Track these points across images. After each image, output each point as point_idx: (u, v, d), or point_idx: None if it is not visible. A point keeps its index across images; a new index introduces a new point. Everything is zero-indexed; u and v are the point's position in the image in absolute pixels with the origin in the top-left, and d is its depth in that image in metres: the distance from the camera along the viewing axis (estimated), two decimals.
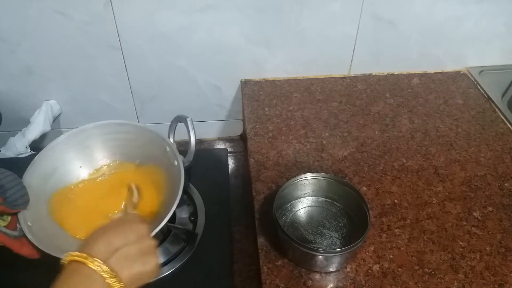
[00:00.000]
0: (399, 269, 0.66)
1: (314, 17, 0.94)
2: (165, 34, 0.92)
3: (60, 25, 0.89)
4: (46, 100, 1.01)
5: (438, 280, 0.65)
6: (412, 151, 0.86)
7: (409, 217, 0.74)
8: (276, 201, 0.68)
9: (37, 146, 1.02)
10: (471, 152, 0.86)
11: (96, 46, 0.93)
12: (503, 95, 1.01)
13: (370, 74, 1.07)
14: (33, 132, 0.96)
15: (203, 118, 1.10)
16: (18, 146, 0.95)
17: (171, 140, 0.73)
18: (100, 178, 0.72)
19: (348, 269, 0.66)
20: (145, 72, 0.99)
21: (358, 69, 1.06)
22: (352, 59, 1.03)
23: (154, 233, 0.56)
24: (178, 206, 0.82)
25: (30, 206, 0.60)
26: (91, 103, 1.04)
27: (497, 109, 0.97)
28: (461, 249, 0.69)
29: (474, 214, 0.74)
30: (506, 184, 0.80)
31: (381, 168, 0.82)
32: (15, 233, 0.58)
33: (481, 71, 1.07)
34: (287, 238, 0.63)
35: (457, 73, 1.08)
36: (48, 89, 1.00)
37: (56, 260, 0.46)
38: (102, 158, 0.74)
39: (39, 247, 0.57)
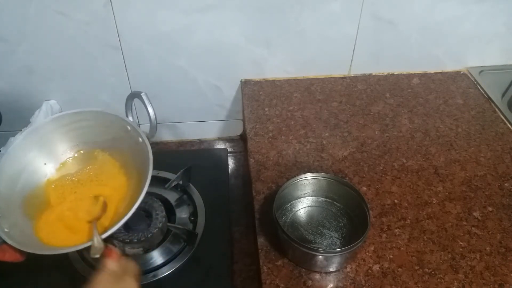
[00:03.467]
0: (399, 269, 0.66)
1: (314, 17, 0.94)
2: (165, 34, 0.92)
3: (60, 25, 0.89)
4: (46, 100, 1.00)
5: (438, 280, 0.65)
6: (412, 151, 0.86)
7: (409, 217, 0.74)
8: (276, 201, 0.68)
9: None
10: (471, 152, 0.86)
11: (96, 46, 0.93)
12: (503, 95, 1.01)
13: (370, 74, 1.07)
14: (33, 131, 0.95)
15: (203, 118, 1.10)
16: None
17: (130, 118, 0.71)
18: (68, 174, 0.70)
19: (348, 269, 0.66)
20: (145, 72, 0.99)
21: (358, 69, 1.06)
22: (352, 59, 1.03)
23: (127, 217, 0.56)
24: (178, 206, 0.82)
25: (3, 213, 0.59)
26: (91, 103, 1.04)
27: (497, 109, 0.97)
28: (461, 249, 0.69)
29: (474, 214, 0.74)
30: (506, 184, 0.80)
31: (381, 168, 0.82)
32: None
33: (481, 71, 1.07)
34: (287, 238, 0.62)
35: (457, 73, 1.08)
36: (48, 89, 1.00)
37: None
38: (65, 151, 0.71)
39: (22, 249, 0.56)
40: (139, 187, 0.61)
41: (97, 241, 0.56)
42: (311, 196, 0.76)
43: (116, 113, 0.69)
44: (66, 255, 0.73)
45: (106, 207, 0.64)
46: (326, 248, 0.68)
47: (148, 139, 0.65)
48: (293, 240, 0.62)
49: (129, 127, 0.67)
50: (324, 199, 0.75)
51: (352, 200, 0.70)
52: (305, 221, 0.73)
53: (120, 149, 0.69)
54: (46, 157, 0.70)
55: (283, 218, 0.73)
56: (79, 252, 0.74)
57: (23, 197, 0.65)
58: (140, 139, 0.65)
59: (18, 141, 0.67)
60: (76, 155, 0.72)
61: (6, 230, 0.58)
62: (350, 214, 0.73)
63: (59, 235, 0.62)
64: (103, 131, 0.70)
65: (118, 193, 0.67)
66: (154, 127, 0.68)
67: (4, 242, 0.56)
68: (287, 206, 0.75)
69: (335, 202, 0.75)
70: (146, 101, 0.67)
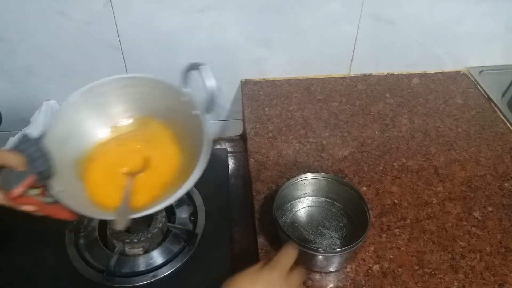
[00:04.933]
0: (399, 269, 0.66)
1: (314, 17, 0.94)
2: (165, 34, 0.92)
3: (60, 25, 0.88)
4: (46, 100, 1.00)
5: (438, 280, 0.65)
6: (412, 151, 0.86)
7: (409, 217, 0.74)
8: (276, 201, 0.68)
9: None
10: (471, 152, 0.86)
11: (96, 46, 0.93)
12: (503, 95, 1.01)
13: (370, 74, 1.07)
14: (33, 132, 0.96)
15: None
16: None
17: (187, 90, 0.67)
18: (119, 137, 0.69)
19: (348, 269, 0.66)
20: (145, 72, 0.98)
21: (358, 69, 1.06)
22: (352, 59, 1.03)
23: (186, 190, 0.55)
24: (178, 206, 0.82)
25: (56, 172, 0.58)
26: None
27: (497, 109, 0.97)
28: (461, 249, 0.69)
29: (474, 214, 0.74)
30: (506, 184, 0.80)
31: (381, 168, 0.82)
32: (49, 199, 0.56)
33: (481, 71, 1.07)
34: (287, 238, 0.62)
35: (457, 73, 1.08)
36: (48, 89, 1.00)
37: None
38: (118, 114, 0.70)
39: (76, 210, 0.55)
40: (191, 159, 0.59)
41: (123, 209, 0.55)
42: (311, 196, 0.76)
43: (168, 81, 0.66)
44: (66, 255, 0.73)
45: (148, 165, 0.63)
46: (326, 248, 0.68)
47: (204, 113, 0.62)
48: (293, 240, 0.62)
49: (183, 98, 0.64)
50: (324, 199, 0.75)
51: (352, 200, 0.70)
52: (305, 221, 0.73)
53: (174, 120, 0.67)
54: (99, 118, 0.68)
55: (283, 218, 0.73)
56: (79, 252, 0.74)
57: (74, 156, 0.64)
58: (194, 112, 0.62)
59: (72, 99, 0.65)
60: (129, 119, 0.70)
61: (60, 189, 0.57)
62: (350, 214, 0.73)
63: (108, 193, 0.62)
64: (158, 99, 0.68)
65: (168, 163, 0.65)
66: (212, 101, 0.62)
67: (58, 201, 0.56)
68: (287, 206, 0.75)
69: (335, 202, 0.75)
70: (205, 74, 0.62)
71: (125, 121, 0.70)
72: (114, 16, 0.88)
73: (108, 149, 0.68)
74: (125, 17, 0.89)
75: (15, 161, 0.52)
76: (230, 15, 0.91)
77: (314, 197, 0.76)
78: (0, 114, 0.94)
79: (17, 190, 0.51)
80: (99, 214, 0.60)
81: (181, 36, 0.93)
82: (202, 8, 0.89)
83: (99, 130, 0.69)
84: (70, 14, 0.87)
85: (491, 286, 0.64)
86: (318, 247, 0.66)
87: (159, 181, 0.63)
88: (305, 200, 0.76)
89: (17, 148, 0.54)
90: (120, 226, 0.54)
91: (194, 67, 0.64)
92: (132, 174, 0.63)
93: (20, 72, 0.96)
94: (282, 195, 0.70)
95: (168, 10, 0.89)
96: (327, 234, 0.71)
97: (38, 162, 0.55)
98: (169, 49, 0.95)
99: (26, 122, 0.98)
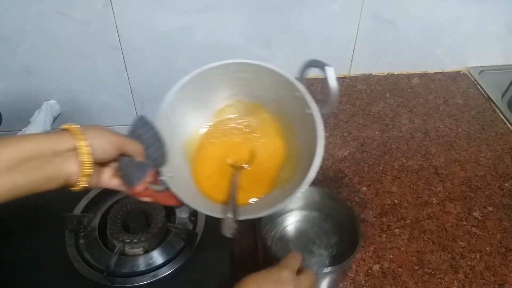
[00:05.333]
0: (399, 269, 0.66)
1: (314, 17, 0.93)
2: (165, 34, 0.92)
3: (60, 25, 0.88)
4: (46, 100, 1.00)
5: (438, 280, 0.65)
6: (412, 151, 0.86)
7: (409, 217, 0.74)
8: (263, 218, 0.65)
9: None
10: (471, 152, 0.86)
11: (96, 46, 0.93)
12: (503, 95, 1.01)
13: (370, 74, 1.07)
14: (33, 132, 0.96)
15: None
16: None
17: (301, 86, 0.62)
18: (224, 123, 0.66)
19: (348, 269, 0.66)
20: (145, 72, 0.99)
21: (358, 69, 1.06)
22: (352, 59, 1.03)
23: (296, 195, 0.53)
24: (178, 206, 0.82)
25: (168, 159, 0.57)
26: (91, 103, 1.04)
27: (497, 109, 0.97)
28: (461, 249, 0.69)
29: (474, 214, 0.74)
30: (506, 184, 0.80)
31: (381, 168, 0.82)
32: (160, 187, 0.55)
33: (481, 71, 1.07)
34: (274, 256, 0.60)
35: (457, 73, 1.08)
36: (48, 89, 1.00)
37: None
38: (225, 98, 0.66)
39: (183, 199, 0.55)
40: (301, 165, 0.57)
41: (231, 209, 0.54)
42: (304, 210, 0.73)
43: (283, 72, 0.63)
44: (66, 255, 0.73)
45: (254, 159, 0.62)
46: (313, 268, 0.66)
47: (321, 112, 0.58)
48: (278, 258, 0.60)
49: (297, 93, 0.60)
50: (317, 213, 0.72)
51: (345, 217, 0.67)
52: (295, 237, 0.70)
53: (282, 113, 0.64)
54: (206, 102, 0.66)
55: (272, 232, 0.70)
56: (79, 252, 0.74)
57: (183, 140, 0.63)
58: (308, 110, 0.58)
59: (183, 82, 0.63)
60: (235, 103, 0.67)
61: (170, 175, 0.56)
62: (342, 231, 0.69)
63: (213, 184, 0.61)
64: (269, 89, 0.64)
65: (273, 158, 0.63)
66: (334, 101, 0.58)
67: (168, 188, 0.55)
68: (277, 219, 0.72)
69: (327, 218, 0.72)
70: (330, 75, 0.58)
71: (232, 105, 0.67)
72: (114, 16, 0.88)
73: (214, 136, 0.66)
74: (125, 17, 0.89)
75: (135, 150, 0.51)
76: (230, 15, 0.91)
77: (307, 211, 0.73)
78: (0, 114, 0.94)
79: (140, 187, 0.50)
80: (205, 208, 0.57)
81: (181, 36, 0.93)
82: (202, 8, 0.89)
83: (205, 112, 0.66)
84: (70, 14, 0.87)
85: (491, 286, 0.64)
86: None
87: (265, 178, 0.61)
88: (296, 213, 0.73)
89: (135, 133, 0.53)
90: (229, 230, 0.54)
91: (316, 64, 0.61)
92: (237, 168, 0.62)
93: (20, 72, 0.96)
94: None
95: (168, 10, 0.89)
96: (316, 252, 0.68)
97: (153, 148, 0.54)
98: (169, 49, 0.95)
99: (26, 122, 0.98)
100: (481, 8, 0.96)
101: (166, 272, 0.71)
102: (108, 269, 0.69)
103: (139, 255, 0.73)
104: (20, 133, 0.97)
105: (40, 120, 0.96)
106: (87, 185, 0.47)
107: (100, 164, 0.48)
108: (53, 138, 0.44)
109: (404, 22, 0.97)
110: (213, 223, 0.79)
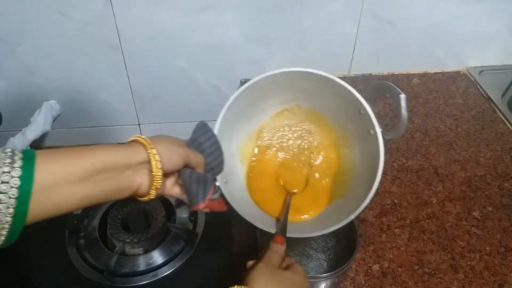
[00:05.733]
0: (399, 269, 0.66)
1: (314, 17, 0.93)
2: (165, 34, 0.92)
3: (60, 25, 0.88)
4: (46, 100, 1.00)
5: (438, 280, 0.65)
6: (412, 151, 0.86)
7: (409, 217, 0.74)
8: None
9: (37, 146, 1.02)
10: (471, 152, 0.86)
11: (96, 46, 0.93)
12: (503, 95, 1.01)
13: (370, 74, 1.07)
14: (33, 132, 0.96)
15: (203, 118, 1.09)
16: (18, 146, 0.95)
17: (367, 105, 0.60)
18: (280, 125, 0.66)
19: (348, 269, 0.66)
20: (145, 72, 0.99)
21: (358, 69, 1.06)
22: (352, 59, 1.03)
23: (352, 218, 0.53)
24: (178, 206, 0.82)
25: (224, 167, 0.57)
26: (91, 103, 1.04)
27: (497, 109, 0.97)
28: (460, 249, 0.69)
29: (474, 214, 0.74)
30: (505, 184, 0.80)
31: None
32: (216, 195, 0.56)
33: (481, 71, 1.07)
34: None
35: (457, 73, 1.08)
36: (48, 89, 1.00)
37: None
38: (283, 102, 0.66)
39: (237, 209, 0.56)
40: (356, 184, 0.57)
41: (282, 227, 0.55)
42: None
43: (349, 87, 0.61)
44: (66, 255, 0.73)
45: (305, 185, 0.62)
46: (311, 272, 0.66)
47: (387, 136, 0.57)
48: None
49: (362, 111, 0.59)
50: None
51: None
52: (291, 240, 0.70)
53: (342, 126, 0.63)
54: (265, 103, 0.65)
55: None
56: (79, 251, 0.74)
57: (239, 142, 0.63)
58: (372, 131, 0.57)
59: (244, 87, 0.63)
60: (294, 108, 0.66)
61: (224, 180, 0.57)
62: (339, 234, 0.70)
63: (265, 196, 0.62)
64: (330, 100, 0.63)
65: (327, 172, 0.62)
66: (403, 126, 0.57)
67: (222, 195, 0.56)
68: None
69: None
70: (404, 104, 0.58)
71: (290, 110, 0.66)
72: (114, 16, 0.88)
73: (270, 145, 0.65)
74: (125, 17, 0.89)
75: (197, 162, 0.53)
76: (230, 15, 0.91)
77: None
78: (0, 114, 0.94)
79: (202, 205, 0.52)
80: (256, 220, 0.58)
81: (181, 36, 0.93)
82: (202, 8, 0.89)
83: (264, 114, 0.66)
84: (70, 14, 0.87)
85: (491, 286, 0.64)
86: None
87: (318, 197, 0.62)
88: None
89: (197, 141, 0.54)
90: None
91: (389, 90, 0.60)
92: (289, 192, 0.62)
93: (20, 72, 0.96)
94: None
95: (168, 10, 0.89)
96: (314, 256, 0.68)
97: (212, 157, 0.55)
98: (169, 49, 0.95)
99: (26, 122, 0.98)
100: (481, 8, 0.96)
101: (166, 272, 0.71)
102: (108, 269, 0.69)
103: (139, 255, 0.73)
104: (20, 133, 0.97)
105: (40, 120, 0.96)
106: (154, 196, 0.49)
107: (165, 174, 0.50)
108: (125, 151, 0.46)
109: (404, 22, 0.97)
110: (213, 223, 0.79)
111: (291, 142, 0.66)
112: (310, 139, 0.66)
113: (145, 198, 0.48)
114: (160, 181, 0.47)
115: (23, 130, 0.97)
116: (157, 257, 0.73)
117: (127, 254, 0.73)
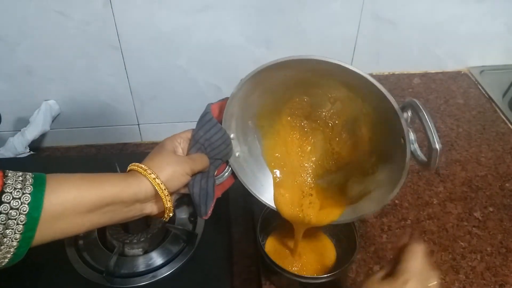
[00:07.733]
0: None
1: (315, 17, 0.93)
2: (165, 34, 0.92)
3: (60, 25, 0.88)
4: (45, 100, 1.00)
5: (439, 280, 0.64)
6: None
7: (410, 218, 0.73)
8: (261, 223, 0.66)
9: (36, 146, 1.02)
10: (472, 152, 0.86)
11: (96, 46, 0.93)
12: (504, 95, 1.01)
13: (371, 74, 1.07)
14: (32, 132, 0.95)
15: None
16: (17, 146, 0.95)
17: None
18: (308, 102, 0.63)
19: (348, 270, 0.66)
20: (145, 72, 0.99)
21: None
22: (352, 59, 1.03)
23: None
24: (178, 206, 0.82)
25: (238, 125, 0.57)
26: (91, 103, 1.03)
27: (498, 109, 0.96)
28: (461, 250, 0.69)
29: (475, 214, 0.74)
30: (507, 185, 0.79)
31: None
32: (220, 179, 0.58)
33: (482, 71, 1.06)
34: (270, 263, 0.60)
35: (458, 73, 1.08)
36: (48, 89, 0.99)
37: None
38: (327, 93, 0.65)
39: (244, 181, 0.58)
40: (376, 186, 0.57)
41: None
42: None
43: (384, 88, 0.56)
44: (65, 255, 0.73)
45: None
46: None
47: (410, 150, 0.55)
48: (277, 266, 0.60)
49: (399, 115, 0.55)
50: None
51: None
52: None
53: (378, 112, 0.60)
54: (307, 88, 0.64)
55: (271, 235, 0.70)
56: (78, 252, 0.74)
57: (257, 111, 0.62)
58: (402, 140, 0.56)
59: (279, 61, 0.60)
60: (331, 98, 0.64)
61: (237, 155, 0.58)
62: (339, 234, 0.69)
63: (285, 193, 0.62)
64: (371, 96, 0.61)
65: (355, 154, 0.61)
66: (431, 162, 0.53)
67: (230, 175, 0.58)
68: (273, 225, 0.72)
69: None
70: (435, 135, 0.52)
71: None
72: (114, 16, 0.88)
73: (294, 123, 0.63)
74: (125, 17, 0.89)
75: (203, 167, 0.55)
76: (230, 15, 0.91)
77: None
78: None
79: (209, 214, 0.55)
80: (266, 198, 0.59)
81: (181, 36, 0.93)
82: (202, 8, 0.89)
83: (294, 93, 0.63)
84: (70, 14, 0.87)
85: (492, 286, 0.64)
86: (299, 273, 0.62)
87: (340, 193, 0.62)
88: None
89: (203, 137, 0.55)
90: None
91: (413, 109, 0.56)
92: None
93: (20, 72, 0.96)
94: (268, 214, 0.68)
95: (168, 10, 0.89)
96: None
97: (219, 149, 0.56)
98: (169, 49, 0.95)
99: (26, 122, 0.98)
100: (482, 8, 0.96)
101: (165, 272, 0.71)
102: (108, 270, 0.69)
103: (139, 255, 0.73)
104: (19, 133, 0.97)
105: (39, 120, 0.96)
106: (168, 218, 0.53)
107: None
108: (131, 185, 0.47)
109: (404, 22, 0.97)
110: (213, 223, 0.79)
111: (323, 115, 0.63)
112: (337, 125, 0.63)
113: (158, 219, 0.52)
114: (171, 207, 0.51)
115: (22, 130, 0.97)
116: (157, 257, 0.73)
117: (126, 254, 0.73)
